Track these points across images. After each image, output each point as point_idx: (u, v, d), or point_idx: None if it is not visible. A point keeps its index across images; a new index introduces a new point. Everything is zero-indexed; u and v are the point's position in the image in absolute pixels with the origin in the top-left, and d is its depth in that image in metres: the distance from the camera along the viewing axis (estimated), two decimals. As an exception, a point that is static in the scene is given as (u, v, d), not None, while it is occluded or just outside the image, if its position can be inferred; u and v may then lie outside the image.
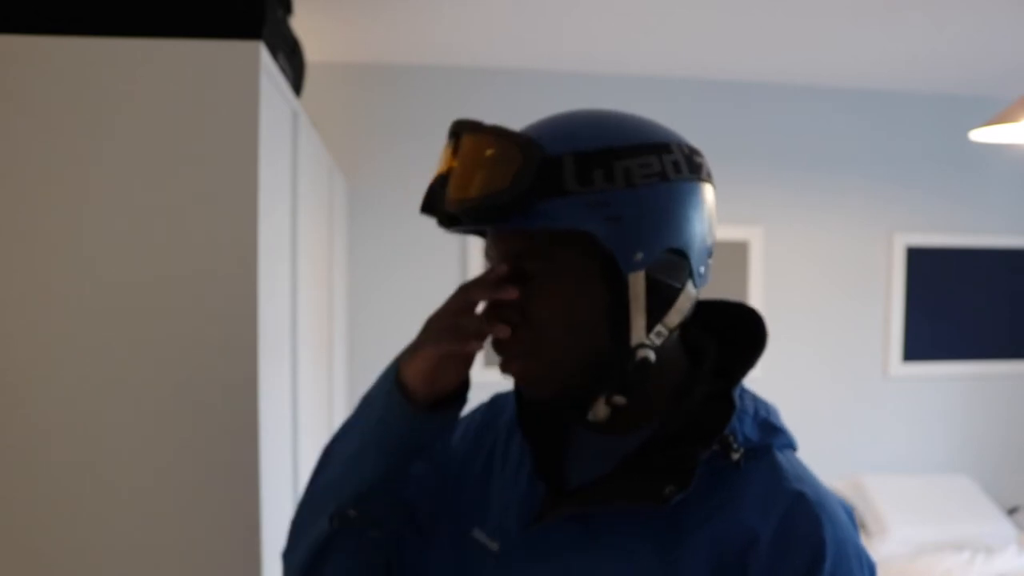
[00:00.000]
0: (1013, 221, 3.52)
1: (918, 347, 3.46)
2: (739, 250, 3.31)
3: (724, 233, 3.30)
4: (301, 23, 1.98)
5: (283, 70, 1.39)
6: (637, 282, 0.72)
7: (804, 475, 0.75)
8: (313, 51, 2.17)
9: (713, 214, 0.77)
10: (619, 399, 0.75)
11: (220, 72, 1.09)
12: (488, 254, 0.79)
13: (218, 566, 1.10)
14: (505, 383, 0.84)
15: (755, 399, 0.80)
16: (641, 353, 0.73)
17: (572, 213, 0.70)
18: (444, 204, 0.74)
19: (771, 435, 0.77)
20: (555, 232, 0.72)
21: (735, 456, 0.72)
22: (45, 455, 1.06)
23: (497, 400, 0.95)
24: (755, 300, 3.31)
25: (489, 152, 0.72)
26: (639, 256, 0.71)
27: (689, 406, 0.75)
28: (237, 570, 1.10)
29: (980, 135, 1.93)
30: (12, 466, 1.06)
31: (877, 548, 3.02)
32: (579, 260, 0.72)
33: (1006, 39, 2.65)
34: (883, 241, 3.43)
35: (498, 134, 0.72)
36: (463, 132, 0.75)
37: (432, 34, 2.72)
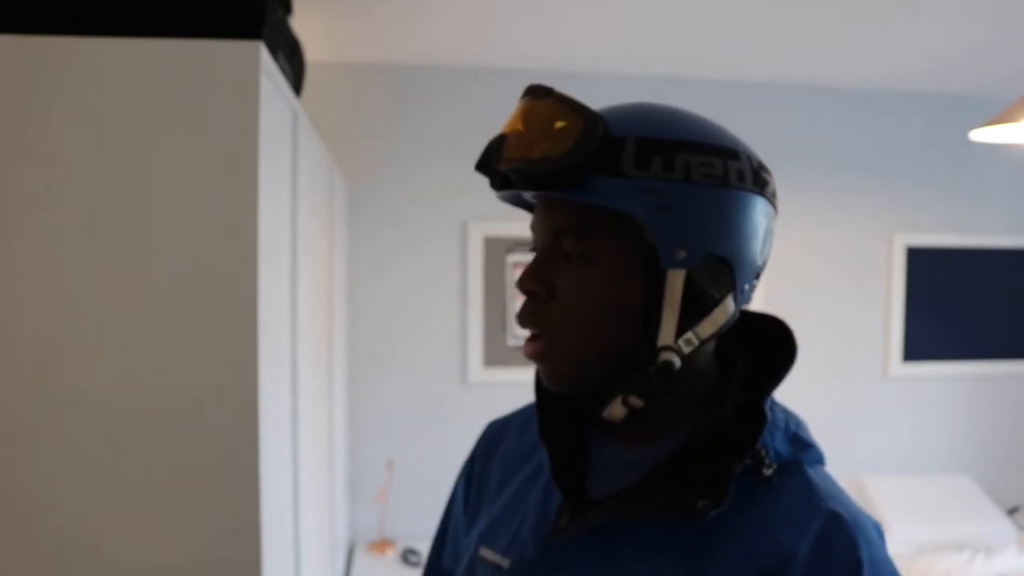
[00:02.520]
0: (1013, 221, 3.52)
1: (918, 347, 3.46)
2: (739, 250, 3.31)
3: (724, 233, 3.30)
4: (301, 23, 1.98)
5: (283, 70, 1.39)
6: (675, 281, 0.69)
7: (837, 493, 0.73)
8: (313, 51, 2.17)
9: (770, 234, 0.75)
10: (636, 401, 0.72)
11: (220, 72, 1.09)
12: (533, 227, 0.76)
13: (218, 566, 1.10)
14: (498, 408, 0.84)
15: (785, 412, 0.78)
16: (665, 356, 0.70)
17: (623, 194, 0.68)
18: (498, 163, 0.71)
19: (802, 450, 0.75)
20: (603, 215, 0.70)
21: (767, 472, 0.70)
22: (45, 455, 1.06)
23: (493, 431, 0.95)
24: (755, 300, 3.31)
25: (553, 118, 0.70)
26: (682, 254, 0.68)
27: (719, 418, 0.73)
28: (237, 570, 1.10)
29: (980, 135, 1.93)
30: (12, 465, 1.06)
31: (877, 548, 3.02)
32: (622, 248, 0.70)
33: (1006, 40, 2.65)
34: (883, 241, 3.43)
35: (565, 102, 0.70)
36: (533, 96, 0.73)
37: (432, 34, 2.71)
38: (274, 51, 1.26)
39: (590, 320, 0.71)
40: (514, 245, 3.10)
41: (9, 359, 1.06)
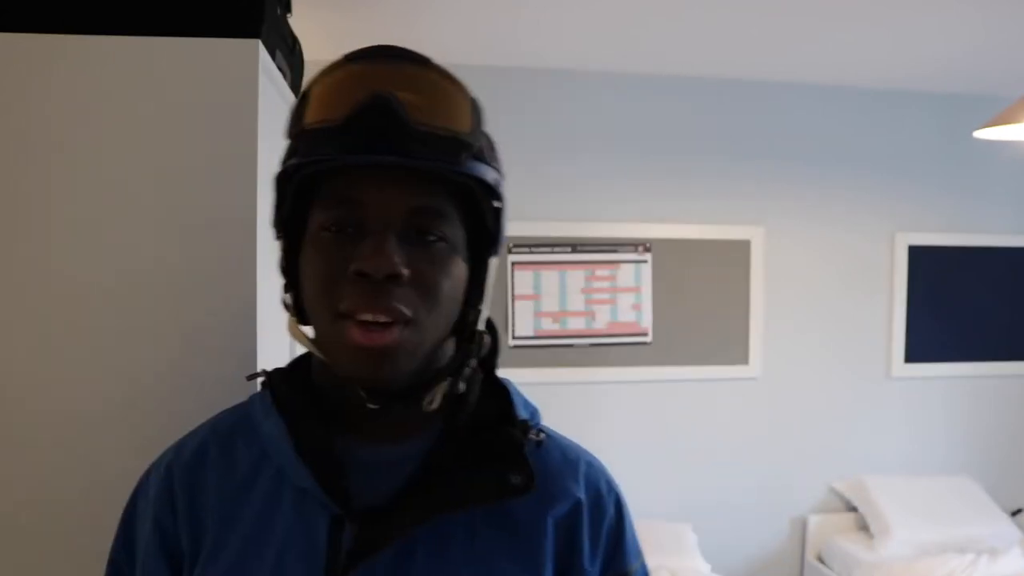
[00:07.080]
0: (1016, 221, 3.51)
1: (921, 348, 3.45)
2: (741, 249, 3.31)
3: (726, 233, 3.30)
4: (300, 21, 1.98)
5: (282, 69, 1.38)
6: (492, 269, 0.74)
7: (575, 443, 0.80)
8: (312, 50, 2.16)
9: None
10: (463, 385, 0.73)
11: (219, 71, 1.08)
12: (361, 201, 0.67)
13: (217, 568, 1.09)
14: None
15: (506, 380, 0.80)
16: (486, 339, 0.75)
17: (496, 180, 0.71)
18: (399, 124, 0.64)
19: (536, 413, 0.79)
20: (455, 199, 0.69)
21: (538, 437, 0.74)
22: (43, 453, 1.06)
23: (171, 464, 0.79)
24: (756, 300, 3.30)
25: (451, 93, 0.68)
26: (501, 241, 0.74)
27: (470, 400, 0.74)
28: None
29: (984, 134, 1.93)
30: (9, 463, 1.06)
31: (879, 549, 3.01)
32: (460, 233, 0.71)
33: (1007, 39, 2.64)
34: (886, 241, 3.42)
35: (452, 78, 0.69)
36: (411, 62, 0.68)
37: (431, 33, 2.71)
38: (273, 50, 1.26)
39: (446, 303, 0.69)
40: (514, 245, 3.09)
41: (7, 357, 1.05)
